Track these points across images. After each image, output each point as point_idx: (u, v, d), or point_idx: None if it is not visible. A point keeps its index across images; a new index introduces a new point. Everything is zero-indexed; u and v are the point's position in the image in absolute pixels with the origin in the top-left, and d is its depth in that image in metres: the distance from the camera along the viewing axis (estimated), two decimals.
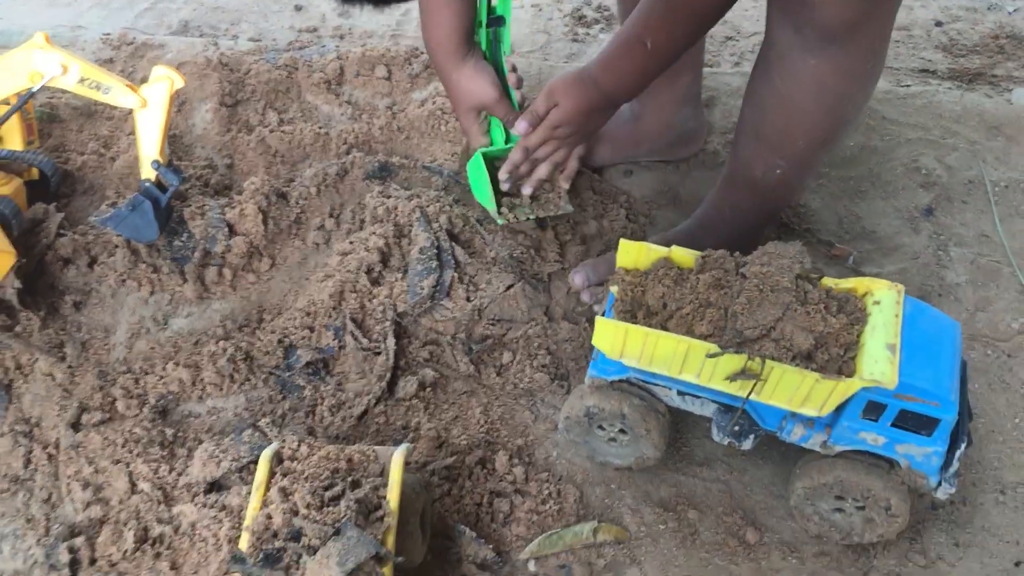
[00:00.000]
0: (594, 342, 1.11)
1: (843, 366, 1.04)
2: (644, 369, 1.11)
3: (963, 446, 1.08)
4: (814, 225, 1.55)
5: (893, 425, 1.07)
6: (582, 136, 1.38)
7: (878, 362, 1.00)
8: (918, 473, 1.10)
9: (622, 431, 1.20)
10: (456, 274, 1.36)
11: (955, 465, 1.09)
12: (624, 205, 1.54)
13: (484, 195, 1.39)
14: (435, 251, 1.37)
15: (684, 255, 1.13)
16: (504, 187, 1.39)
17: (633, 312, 1.11)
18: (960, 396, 1.08)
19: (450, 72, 1.35)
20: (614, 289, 1.13)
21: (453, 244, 1.39)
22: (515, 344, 1.35)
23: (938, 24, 2.03)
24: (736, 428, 1.15)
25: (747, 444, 1.15)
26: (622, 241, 1.14)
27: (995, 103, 1.72)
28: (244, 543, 0.99)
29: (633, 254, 1.14)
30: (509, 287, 1.37)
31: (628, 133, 1.59)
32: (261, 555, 0.97)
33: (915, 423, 1.06)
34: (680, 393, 1.16)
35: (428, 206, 1.41)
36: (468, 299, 1.35)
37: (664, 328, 1.08)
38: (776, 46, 1.20)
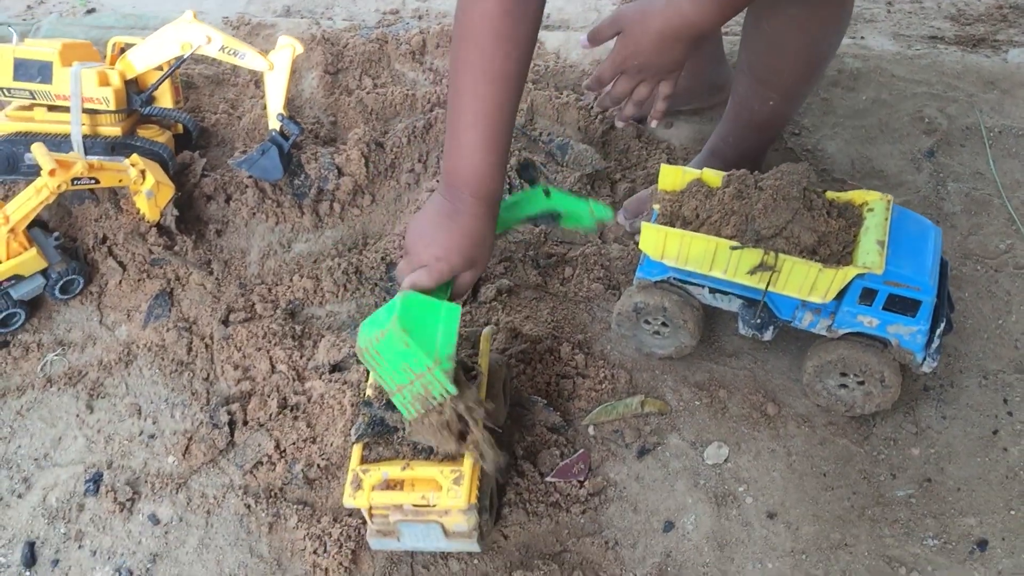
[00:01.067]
0: (640, 246, 1.36)
1: (841, 259, 1.29)
2: (681, 268, 1.37)
3: (942, 326, 1.32)
4: (830, 166, 1.80)
5: (884, 308, 1.30)
6: (660, 70, 1.30)
7: (869, 253, 1.25)
8: (906, 350, 1.33)
9: (664, 324, 1.45)
10: None
11: (936, 342, 1.32)
12: (665, 151, 1.81)
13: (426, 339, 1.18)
14: (507, 185, 1.65)
15: (713, 175, 1.38)
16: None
17: (672, 223, 1.35)
18: (940, 287, 1.32)
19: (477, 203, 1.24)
20: (656, 206, 1.39)
21: (521, 181, 1.67)
22: (575, 261, 1.63)
23: None
24: (758, 320, 1.39)
25: (768, 335, 1.40)
26: (663, 166, 1.39)
27: (992, 62, 1.96)
28: (369, 391, 1.28)
29: (671, 177, 1.40)
30: None
31: None
32: (384, 401, 1.26)
33: (901, 306, 1.29)
34: (711, 291, 1.41)
35: None
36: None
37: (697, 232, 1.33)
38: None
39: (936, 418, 1.46)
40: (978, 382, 1.50)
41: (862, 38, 2.10)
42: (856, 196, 1.34)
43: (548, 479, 1.37)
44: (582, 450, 1.41)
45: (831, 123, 1.86)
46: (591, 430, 1.45)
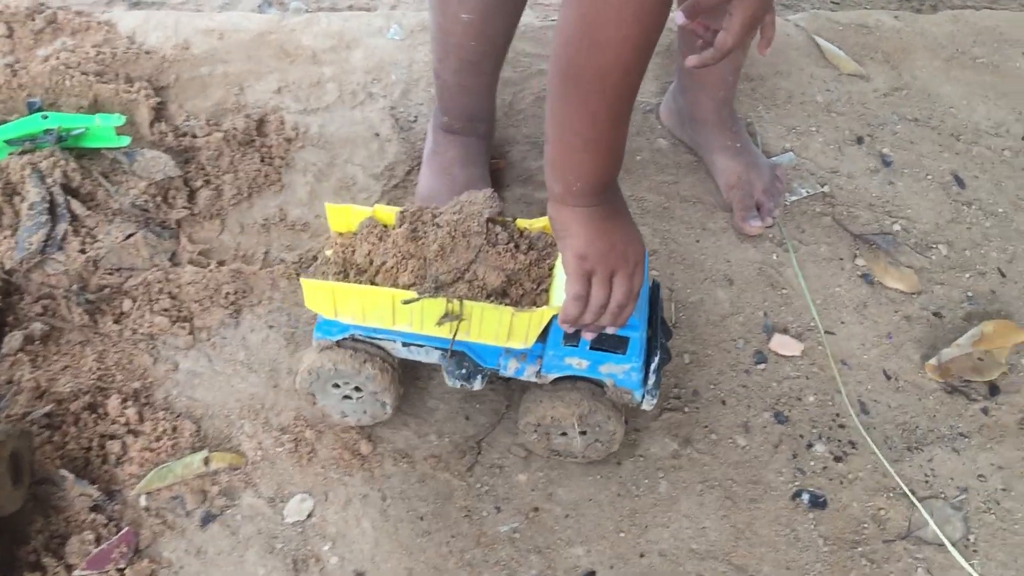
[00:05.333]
0: (306, 305, 1.14)
1: (536, 298, 1.12)
2: (363, 325, 1.15)
3: (657, 359, 1.17)
4: None
5: (592, 348, 1.14)
6: None
7: (561, 293, 1.07)
8: (623, 390, 1.17)
9: (356, 388, 1.22)
10: (71, 227, 1.36)
11: (653, 377, 1.17)
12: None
13: None
14: (47, 205, 1.36)
15: (386, 212, 1.17)
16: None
17: (346, 271, 1.15)
18: (652, 315, 1.19)
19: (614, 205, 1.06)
20: (328, 252, 1.17)
21: (69, 198, 1.38)
22: (135, 291, 1.36)
23: None
24: (464, 371, 1.19)
25: (477, 384, 1.20)
26: (328, 205, 1.18)
27: None
28: None
29: (340, 217, 1.19)
30: (129, 236, 1.38)
31: None
32: None
33: (610, 343, 1.14)
34: (405, 344, 1.20)
35: (41, 162, 1.39)
36: (83, 251, 1.35)
37: (373, 283, 1.13)
38: None
39: None
40: None
41: None
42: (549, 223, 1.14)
43: (77, 573, 1.11)
44: (126, 528, 1.16)
45: None
46: (143, 501, 1.20)
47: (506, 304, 1.10)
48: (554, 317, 1.11)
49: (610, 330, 1.10)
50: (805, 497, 1.29)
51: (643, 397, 1.18)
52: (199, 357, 1.35)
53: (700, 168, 1.64)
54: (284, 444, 1.27)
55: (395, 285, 1.12)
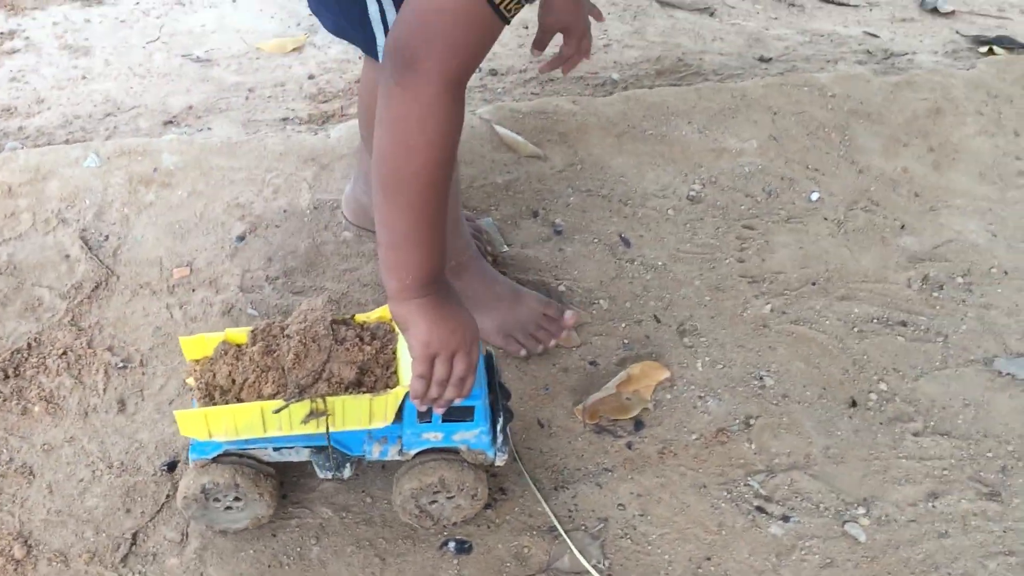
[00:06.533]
0: (182, 433, 1.23)
1: (388, 381, 1.25)
2: (236, 439, 1.25)
3: (502, 419, 1.32)
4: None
5: (444, 421, 1.28)
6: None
7: (408, 371, 1.21)
8: (478, 452, 1.32)
9: (236, 498, 1.30)
10: None
11: (500, 436, 1.32)
12: None
13: None
14: None
15: (237, 333, 1.28)
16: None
17: (212, 395, 1.24)
18: (490, 382, 1.33)
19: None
20: (190, 381, 1.27)
21: None
22: None
23: (311, 77, 2.31)
24: (333, 462, 1.31)
25: (347, 472, 1.33)
26: (181, 339, 1.28)
27: (316, 139, 2.00)
28: None
29: (195, 347, 1.29)
30: None
31: None
32: None
33: (458, 414, 1.27)
34: (276, 449, 1.30)
35: None
36: None
37: (239, 400, 1.23)
38: None
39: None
40: None
41: (204, 129, 2.07)
42: (384, 313, 1.30)
43: None
44: None
45: (144, 222, 1.79)
46: None
47: (363, 392, 1.23)
48: (408, 398, 1.24)
49: (457, 402, 1.24)
50: (451, 545, 1.38)
51: (495, 455, 1.33)
52: None
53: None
54: None
55: (260, 397, 1.22)
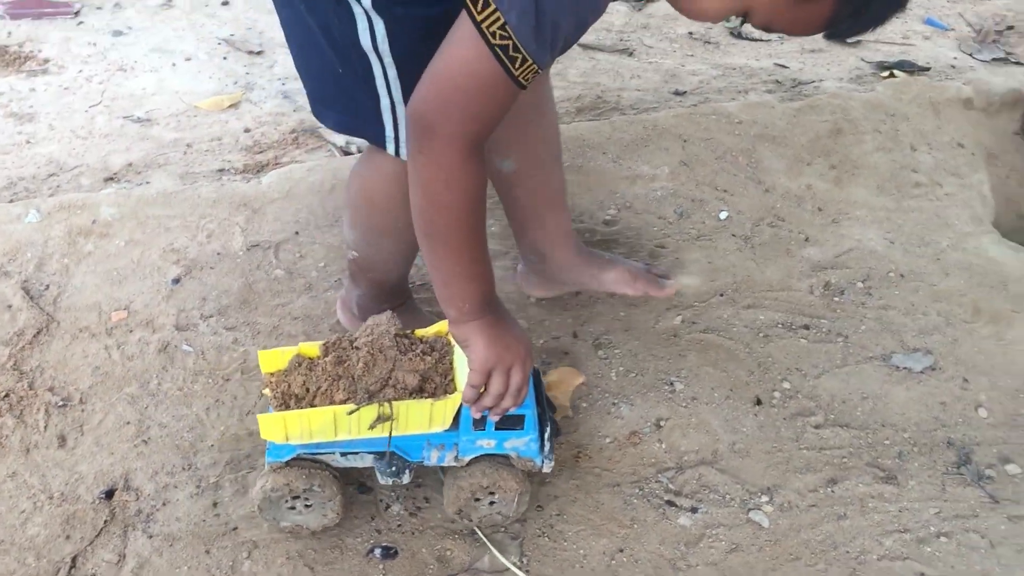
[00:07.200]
0: (263, 436, 1.35)
1: (447, 387, 1.37)
2: (309, 443, 1.36)
3: (549, 429, 1.43)
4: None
5: (497, 429, 1.39)
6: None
7: (464, 380, 1.33)
8: (526, 459, 1.42)
9: (307, 501, 1.41)
10: None
11: (548, 445, 1.42)
12: None
13: None
14: None
15: (310, 347, 1.40)
16: None
17: (287, 403, 1.35)
18: (537, 394, 1.44)
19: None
20: (267, 391, 1.38)
21: None
22: None
23: (246, 130, 2.43)
24: (393, 468, 1.42)
25: (406, 478, 1.44)
26: (260, 352, 1.40)
27: (249, 186, 2.10)
28: None
29: (271, 360, 1.40)
30: None
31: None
32: None
33: (510, 423, 1.39)
34: (343, 454, 1.41)
35: None
36: None
37: (312, 406, 1.34)
38: None
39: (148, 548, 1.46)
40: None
41: (143, 183, 2.17)
42: (441, 328, 1.43)
43: None
44: None
45: (83, 270, 1.88)
46: None
47: (425, 397, 1.35)
48: (465, 407, 1.37)
49: (510, 411, 1.37)
50: (377, 552, 1.45)
51: (543, 462, 1.44)
52: None
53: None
54: None
55: (332, 403, 1.34)
